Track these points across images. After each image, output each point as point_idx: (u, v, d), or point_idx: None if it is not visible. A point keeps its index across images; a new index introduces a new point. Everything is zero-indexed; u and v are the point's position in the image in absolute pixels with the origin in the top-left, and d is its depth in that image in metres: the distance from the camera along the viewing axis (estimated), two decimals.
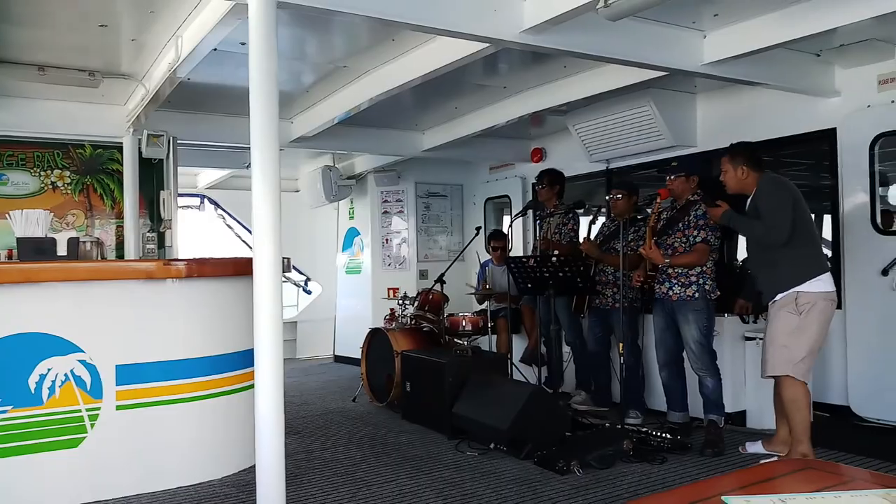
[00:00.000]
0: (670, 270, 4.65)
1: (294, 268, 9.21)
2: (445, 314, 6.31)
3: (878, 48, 4.81)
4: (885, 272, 4.87)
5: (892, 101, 4.90)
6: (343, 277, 9.54)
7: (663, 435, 4.45)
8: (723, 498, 1.33)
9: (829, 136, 5.28)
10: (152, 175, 6.38)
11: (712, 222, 4.50)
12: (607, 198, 5.36)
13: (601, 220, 5.77)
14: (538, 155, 7.87)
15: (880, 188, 5.08)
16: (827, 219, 5.86)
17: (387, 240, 8.85)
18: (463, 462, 4.39)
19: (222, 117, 6.39)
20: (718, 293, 4.63)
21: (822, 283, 4.04)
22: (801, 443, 3.99)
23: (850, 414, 5.04)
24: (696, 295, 4.54)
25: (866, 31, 4.49)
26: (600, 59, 4.55)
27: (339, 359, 9.34)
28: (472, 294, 6.94)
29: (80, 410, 3.81)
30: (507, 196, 8.45)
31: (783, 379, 4.04)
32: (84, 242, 5.34)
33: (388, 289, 7.93)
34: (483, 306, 6.60)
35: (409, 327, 6.27)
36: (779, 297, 4.08)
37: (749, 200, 4.28)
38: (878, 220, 5.01)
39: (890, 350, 4.85)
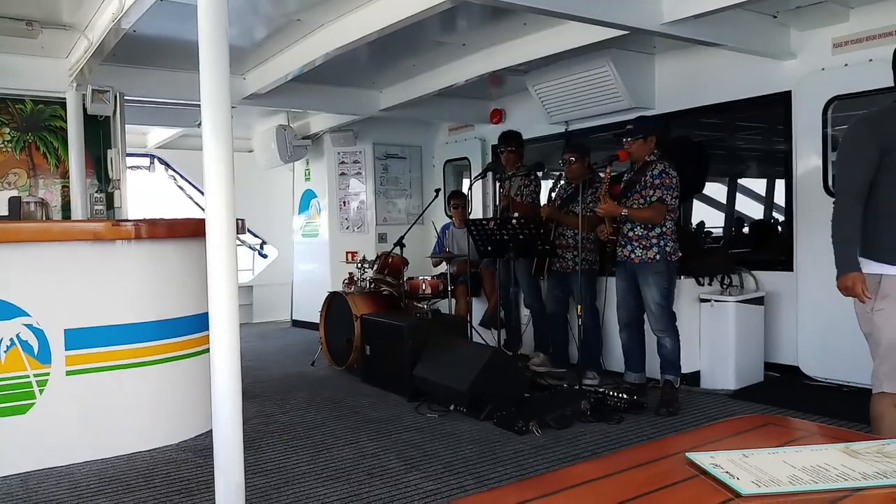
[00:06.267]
0: (631, 234, 4.66)
1: (249, 230, 9.03)
2: (405, 277, 6.28)
3: (834, 11, 4.84)
4: None
5: (846, 65, 4.95)
6: (300, 241, 9.39)
7: (620, 395, 4.52)
8: (687, 454, 1.33)
9: (784, 98, 5.32)
10: (99, 133, 6.10)
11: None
12: (560, 161, 5.36)
13: (561, 184, 5.77)
14: (498, 116, 7.80)
15: (832, 152, 5.17)
16: (780, 182, 5.98)
17: (344, 202, 8.72)
18: (423, 424, 4.40)
19: (171, 72, 6.12)
20: (680, 255, 4.67)
21: None
22: None
23: (799, 374, 5.19)
24: (658, 257, 4.58)
25: None
26: (559, 16, 4.48)
27: (296, 323, 9.24)
28: (430, 258, 6.90)
29: (27, 376, 3.69)
30: (466, 158, 8.37)
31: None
32: (27, 203, 5.12)
33: (347, 252, 7.85)
34: (442, 269, 6.58)
35: (368, 291, 6.22)
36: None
37: None
38: (830, 183, 5.10)
39: (838, 312, 4.95)
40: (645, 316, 4.76)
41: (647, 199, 4.60)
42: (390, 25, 4.54)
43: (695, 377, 5.13)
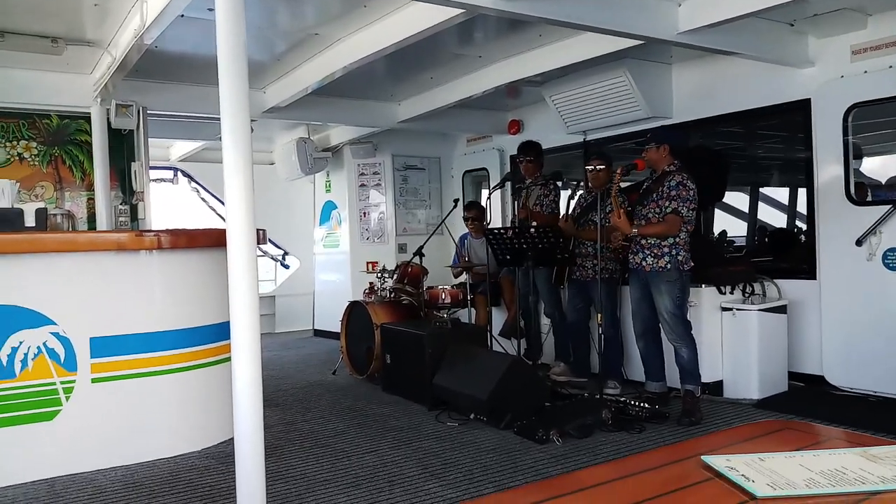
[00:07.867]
0: (643, 241, 4.65)
1: (271, 241, 9.12)
2: (425, 287, 6.30)
3: (852, 18, 4.81)
4: (858, 242, 4.93)
5: (865, 72, 4.91)
6: (321, 251, 9.47)
7: (641, 404, 4.50)
8: (702, 457, 1.34)
9: (803, 106, 5.29)
10: (122, 146, 6.22)
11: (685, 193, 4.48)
12: (587, 167, 5.35)
13: (580, 193, 5.77)
14: (515, 127, 7.83)
15: (854, 159, 5.12)
16: (802, 191, 5.93)
17: (365, 213, 8.78)
18: (443, 432, 4.41)
19: (193, 87, 6.22)
20: (692, 264, 4.64)
21: None
22: None
23: (824, 383, 5.13)
24: (669, 266, 4.55)
25: (839, 0, 4.49)
26: (575, 27, 4.50)
27: (318, 333, 9.31)
28: (449, 267, 6.91)
29: (54, 383, 3.76)
30: (485, 169, 8.40)
31: None
32: (54, 215, 5.23)
33: (367, 262, 7.88)
34: (462, 279, 6.59)
35: (388, 300, 6.25)
36: None
37: None
38: (852, 190, 5.06)
39: (863, 320, 4.92)
40: (660, 324, 4.73)
41: (663, 209, 4.58)
42: (407, 38, 4.60)
43: (717, 386, 5.09)
